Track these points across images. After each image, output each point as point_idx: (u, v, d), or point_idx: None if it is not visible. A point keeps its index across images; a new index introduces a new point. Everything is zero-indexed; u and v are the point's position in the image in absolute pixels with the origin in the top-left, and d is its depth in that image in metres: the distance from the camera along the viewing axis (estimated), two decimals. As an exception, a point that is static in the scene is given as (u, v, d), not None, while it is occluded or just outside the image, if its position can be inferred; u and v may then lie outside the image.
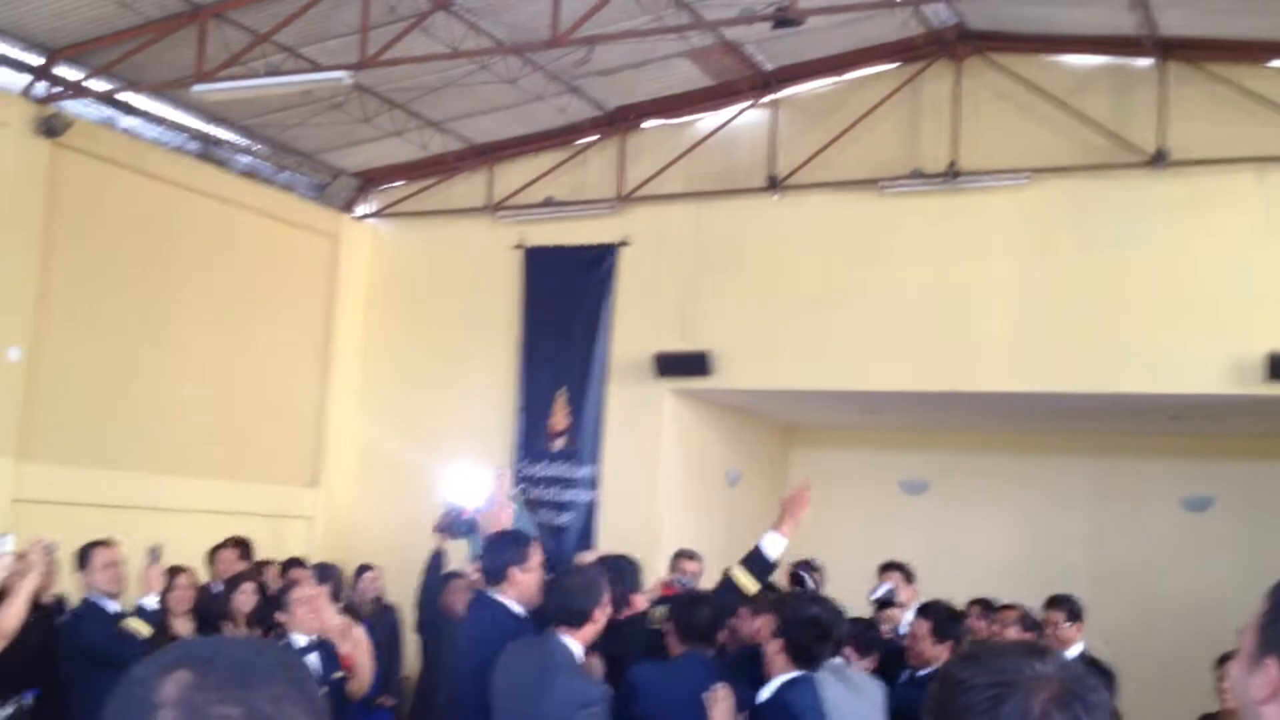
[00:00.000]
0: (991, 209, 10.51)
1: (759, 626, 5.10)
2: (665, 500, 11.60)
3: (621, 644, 5.00)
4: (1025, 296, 10.28)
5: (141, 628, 5.75)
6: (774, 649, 4.66)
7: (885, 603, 6.47)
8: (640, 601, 5.44)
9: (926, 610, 6.07)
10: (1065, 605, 6.94)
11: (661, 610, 5.34)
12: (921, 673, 5.77)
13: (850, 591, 7.23)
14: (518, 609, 4.90)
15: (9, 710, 5.64)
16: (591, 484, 11.79)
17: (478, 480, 10.64)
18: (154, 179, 10.96)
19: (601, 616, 4.67)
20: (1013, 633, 6.74)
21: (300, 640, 6.39)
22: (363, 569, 8.94)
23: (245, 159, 12.19)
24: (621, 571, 5.37)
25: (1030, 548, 12.70)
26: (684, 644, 4.88)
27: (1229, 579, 10.87)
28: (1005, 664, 1.53)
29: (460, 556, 8.69)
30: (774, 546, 5.16)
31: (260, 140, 12.12)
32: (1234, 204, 9.83)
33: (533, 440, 12.07)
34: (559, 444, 11.97)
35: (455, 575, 8.21)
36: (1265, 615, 1.96)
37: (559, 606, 4.64)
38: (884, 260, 10.80)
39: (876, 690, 5.22)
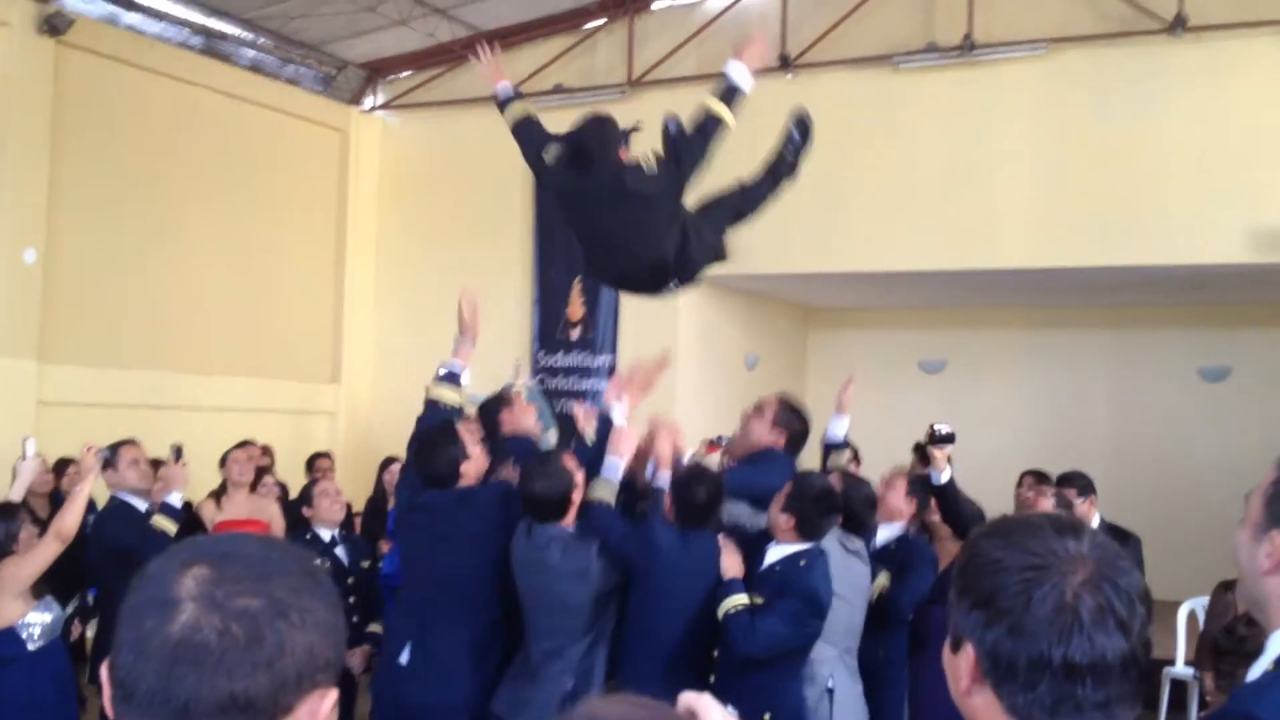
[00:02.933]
0: (1008, 81, 10.33)
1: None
2: (683, 386, 11.63)
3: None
4: (1043, 170, 10.16)
5: (169, 525, 5.83)
6: (785, 523, 4.80)
7: (942, 439, 6.13)
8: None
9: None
10: (1076, 481, 6.85)
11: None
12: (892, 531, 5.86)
13: (870, 471, 7.28)
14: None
15: (74, 605, 5.79)
16: (609, 372, 11.81)
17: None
18: (159, 75, 10.86)
19: (578, 495, 4.83)
20: (1045, 507, 6.65)
21: (325, 534, 6.50)
22: (389, 461, 9.02)
23: (250, 53, 12.06)
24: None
25: (1049, 422, 12.75)
26: (683, 524, 4.96)
27: (1246, 447, 10.91)
28: (1038, 545, 1.52)
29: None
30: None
31: (264, 33, 11.96)
32: (1254, 69, 9.63)
33: (550, 330, 12.08)
34: (576, 333, 11.99)
35: None
36: (1274, 484, 1.95)
37: (537, 508, 4.78)
38: (900, 138, 10.66)
39: (862, 547, 5.35)
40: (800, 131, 5.67)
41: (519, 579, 4.82)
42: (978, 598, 1.52)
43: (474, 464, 5.04)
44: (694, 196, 5.37)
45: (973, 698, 1.53)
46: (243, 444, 7.69)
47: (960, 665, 1.54)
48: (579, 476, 4.85)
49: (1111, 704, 1.48)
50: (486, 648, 4.91)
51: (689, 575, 4.81)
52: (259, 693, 1.21)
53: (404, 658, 4.97)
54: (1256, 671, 1.89)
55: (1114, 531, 6.67)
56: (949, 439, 6.14)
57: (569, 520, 4.81)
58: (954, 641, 1.57)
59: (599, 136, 5.09)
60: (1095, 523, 6.75)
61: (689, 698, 1.21)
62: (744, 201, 5.48)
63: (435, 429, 5.10)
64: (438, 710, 4.85)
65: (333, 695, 1.29)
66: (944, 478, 6.07)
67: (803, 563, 4.74)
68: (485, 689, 4.84)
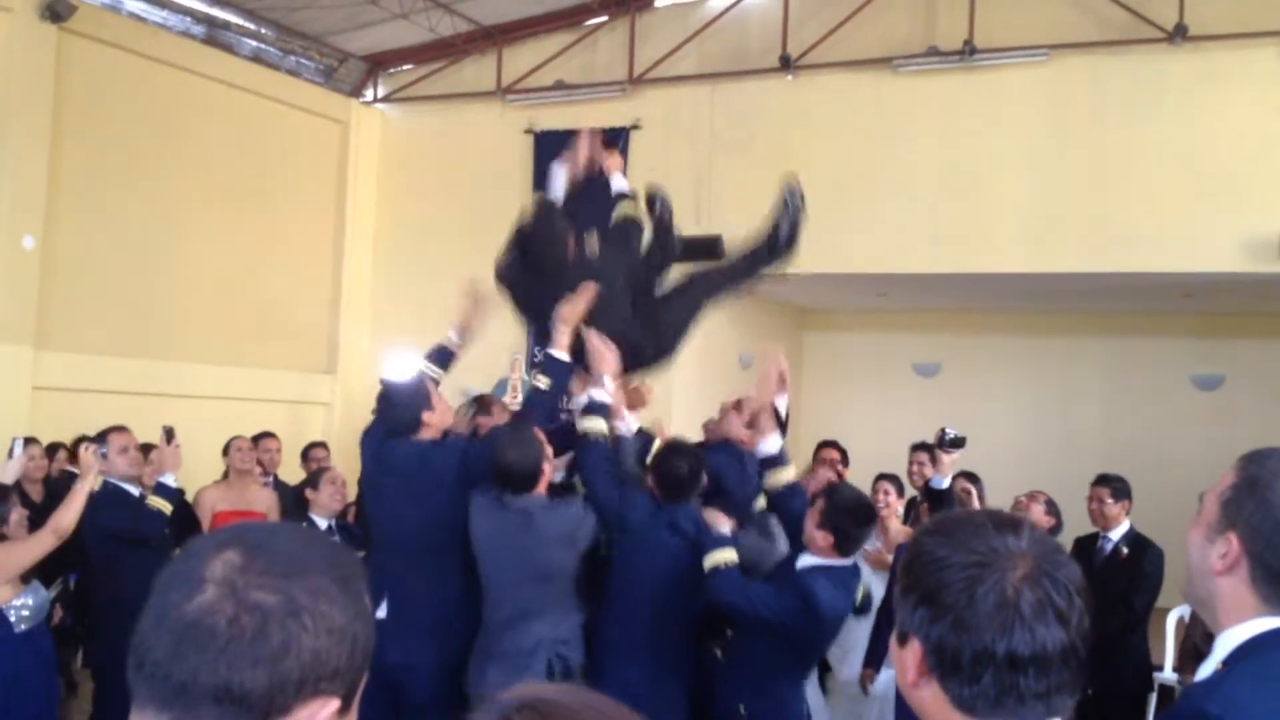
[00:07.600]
0: (1008, 87, 10.37)
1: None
2: (677, 384, 11.63)
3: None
4: (1040, 176, 10.19)
5: (164, 505, 5.87)
6: (822, 540, 4.60)
7: (952, 442, 6.06)
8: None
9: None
10: (1110, 484, 6.83)
11: None
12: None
13: (864, 472, 7.30)
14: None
15: (56, 590, 5.83)
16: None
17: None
18: (161, 64, 10.87)
19: (549, 467, 4.87)
20: (1037, 513, 6.63)
21: (322, 523, 6.51)
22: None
23: (252, 43, 12.06)
24: None
25: (1042, 427, 12.79)
26: (665, 498, 4.92)
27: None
28: (980, 543, 1.56)
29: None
30: None
31: (266, 23, 11.98)
32: (1252, 80, 9.68)
33: (546, 325, 12.05)
34: (572, 329, 11.97)
35: None
36: (1232, 488, 2.00)
37: (511, 479, 4.75)
38: (898, 141, 10.69)
39: None
40: (794, 201, 5.65)
41: (487, 548, 4.79)
42: (923, 594, 1.57)
43: (437, 416, 5.18)
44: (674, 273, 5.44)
45: (920, 690, 1.58)
46: (263, 435, 7.82)
47: (907, 658, 1.59)
48: (549, 449, 4.87)
49: (1052, 693, 1.52)
50: (459, 608, 4.93)
51: (664, 546, 4.77)
52: (255, 688, 1.21)
53: (381, 612, 4.85)
54: (1207, 670, 1.94)
55: (1138, 540, 6.70)
56: (959, 443, 6.10)
57: (541, 489, 4.80)
58: (900, 635, 1.61)
59: (546, 234, 5.25)
60: (1124, 528, 6.75)
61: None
62: (728, 279, 5.57)
63: (401, 383, 5.28)
64: (413, 669, 4.84)
65: (334, 705, 1.27)
66: (946, 483, 6.10)
67: (830, 576, 4.55)
68: (460, 649, 4.86)
